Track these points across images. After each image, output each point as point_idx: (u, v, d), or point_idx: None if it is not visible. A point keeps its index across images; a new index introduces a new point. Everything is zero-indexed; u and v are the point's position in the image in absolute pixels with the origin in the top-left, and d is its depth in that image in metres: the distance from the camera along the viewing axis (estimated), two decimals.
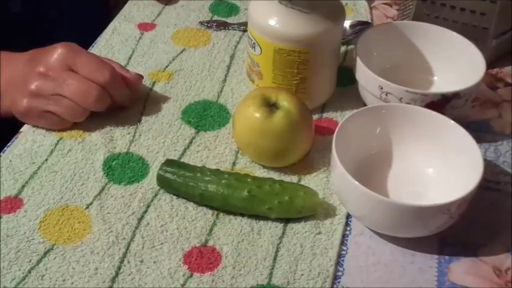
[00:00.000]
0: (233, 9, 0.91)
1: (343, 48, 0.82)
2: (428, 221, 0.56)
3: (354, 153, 0.62)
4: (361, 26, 0.85)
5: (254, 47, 0.68)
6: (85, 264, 0.56)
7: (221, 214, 0.61)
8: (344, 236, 0.59)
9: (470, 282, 0.56)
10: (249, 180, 0.61)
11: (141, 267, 0.56)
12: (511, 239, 0.60)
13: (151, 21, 0.88)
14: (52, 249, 0.57)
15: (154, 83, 0.77)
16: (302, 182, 0.64)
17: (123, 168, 0.65)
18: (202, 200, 0.61)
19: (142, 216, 0.60)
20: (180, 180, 0.61)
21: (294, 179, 0.64)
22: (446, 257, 0.58)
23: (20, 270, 0.55)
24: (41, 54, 0.67)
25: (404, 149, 0.65)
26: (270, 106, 0.63)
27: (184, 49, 0.82)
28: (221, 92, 0.76)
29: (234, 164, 0.66)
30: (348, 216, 0.61)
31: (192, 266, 0.56)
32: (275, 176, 0.64)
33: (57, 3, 0.91)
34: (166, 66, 0.79)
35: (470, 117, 0.73)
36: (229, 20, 0.88)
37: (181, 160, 0.66)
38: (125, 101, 0.70)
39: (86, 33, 0.82)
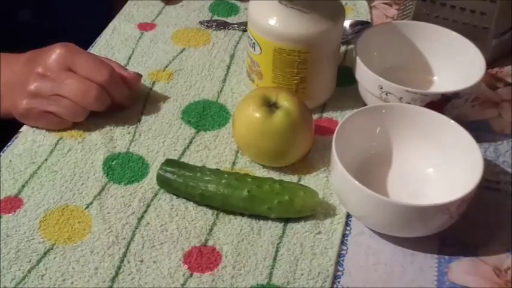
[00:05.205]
0: (233, 9, 0.91)
1: (343, 48, 0.82)
2: (428, 221, 0.56)
3: (354, 153, 0.62)
4: (361, 26, 0.85)
5: (254, 47, 0.68)
6: (85, 264, 0.56)
7: (221, 214, 0.61)
8: (344, 236, 0.59)
9: (470, 282, 0.56)
10: (248, 180, 0.61)
11: (141, 267, 0.56)
12: (511, 239, 0.60)
13: (151, 21, 0.88)
14: (52, 249, 0.57)
15: (154, 82, 0.76)
16: (302, 182, 0.64)
17: (123, 168, 0.65)
18: (202, 200, 0.61)
19: (142, 216, 0.60)
20: (180, 180, 0.61)
21: (293, 178, 0.64)
22: (446, 257, 0.58)
23: (19, 270, 0.55)
24: (40, 54, 0.67)
25: (404, 149, 0.65)
26: (270, 106, 0.63)
27: (184, 49, 0.82)
28: (221, 91, 0.76)
29: (234, 163, 0.66)
30: (348, 216, 0.61)
31: (192, 266, 0.56)
32: (275, 175, 0.64)
33: (66, 10, 0.91)
34: (166, 66, 0.79)
35: (470, 117, 0.73)
36: (229, 19, 0.88)
37: (181, 160, 0.66)
38: (124, 100, 0.70)
39: (85, 33, 0.82)
